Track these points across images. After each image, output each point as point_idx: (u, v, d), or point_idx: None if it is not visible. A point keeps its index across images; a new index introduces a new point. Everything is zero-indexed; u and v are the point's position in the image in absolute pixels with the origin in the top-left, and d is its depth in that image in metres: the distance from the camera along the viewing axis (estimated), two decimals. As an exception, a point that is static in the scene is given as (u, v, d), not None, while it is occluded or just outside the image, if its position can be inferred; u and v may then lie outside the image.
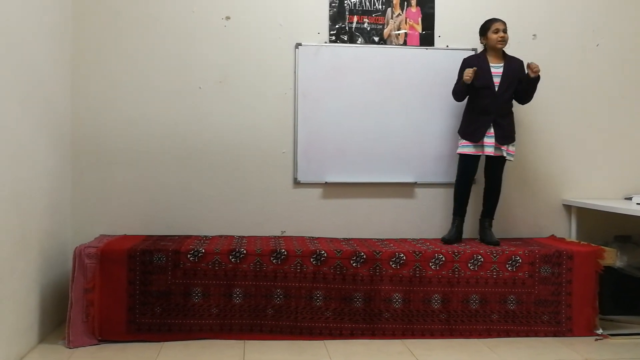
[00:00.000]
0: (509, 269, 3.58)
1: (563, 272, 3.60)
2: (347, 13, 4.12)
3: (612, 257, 3.67)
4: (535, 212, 4.27)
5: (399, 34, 4.17)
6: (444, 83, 4.01)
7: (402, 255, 3.53)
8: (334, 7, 4.11)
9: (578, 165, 4.31)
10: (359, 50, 4.11)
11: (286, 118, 4.08)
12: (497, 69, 3.83)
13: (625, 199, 4.26)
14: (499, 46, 3.84)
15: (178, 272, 3.42)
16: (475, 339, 3.50)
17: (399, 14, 4.16)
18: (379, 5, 4.14)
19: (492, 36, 3.84)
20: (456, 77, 3.91)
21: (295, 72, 4.06)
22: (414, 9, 4.16)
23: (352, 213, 4.15)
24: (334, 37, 4.11)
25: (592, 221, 4.21)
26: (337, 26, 4.11)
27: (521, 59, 3.90)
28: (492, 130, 3.80)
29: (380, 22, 4.15)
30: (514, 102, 3.94)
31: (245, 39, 4.04)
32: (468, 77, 3.73)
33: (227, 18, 4.04)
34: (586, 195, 4.29)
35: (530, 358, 3.23)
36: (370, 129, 4.10)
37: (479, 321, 3.55)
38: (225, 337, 3.41)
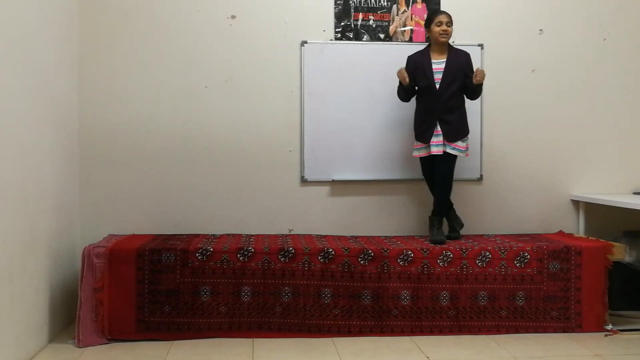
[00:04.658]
0: (518, 265, 3.57)
1: (572, 267, 3.59)
2: (352, 10, 4.11)
3: (621, 253, 3.65)
4: (543, 207, 4.26)
5: (404, 31, 4.16)
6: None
7: (409, 252, 3.53)
8: (339, 4, 4.10)
9: (586, 161, 4.29)
10: (365, 48, 4.11)
11: (292, 116, 4.08)
12: (438, 65, 3.74)
13: (634, 193, 4.24)
14: (441, 40, 3.74)
15: (186, 271, 3.43)
16: (484, 335, 3.50)
17: (405, 11, 4.15)
18: (384, 2, 4.13)
19: (435, 29, 3.74)
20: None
21: (301, 70, 4.06)
22: (419, 6, 4.15)
23: (359, 210, 4.15)
24: (339, 35, 4.11)
25: (601, 216, 4.19)
26: (342, 24, 4.11)
27: (468, 51, 3.83)
28: (438, 128, 3.72)
29: (386, 19, 4.14)
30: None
31: (251, 38, 4.05)
32: (403, 78, 3.72)
33: (233, 17, 4.04)
34: (594, 190, 4.28)
35: (539, 354, 3.22)
36: (377, 126, 4.10)
37: (487, 317, 3.54)
38: (234, 336, 3.41)
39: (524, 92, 4.23)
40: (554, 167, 4.27)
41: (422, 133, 3.81)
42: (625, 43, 4.29)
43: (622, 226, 4.14)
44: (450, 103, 3.74)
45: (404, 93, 3.84)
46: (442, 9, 4.12)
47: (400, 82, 3.81)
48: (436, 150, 3.73)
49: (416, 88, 3.83)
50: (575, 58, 4.27)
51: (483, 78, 3.66)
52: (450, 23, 3.74)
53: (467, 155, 3.84)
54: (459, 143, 3.75)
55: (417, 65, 3.78)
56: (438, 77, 3.72)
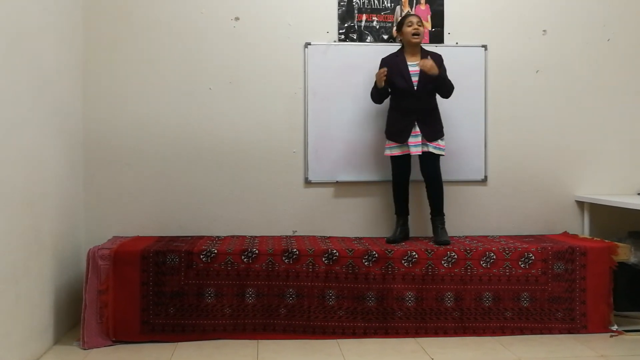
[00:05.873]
0: (522, 266, 3.56)
1: (576, 268, 3.58)
2: (355, 12, 4.11)
3: (626, 253, 3.64)
4: (548, 208, 4.25)
5: (408, 32, 4.16)
6: (453, 80, 3.95)
7: (414, 253, 3.53)
8: (342, 6, 4.10)
9: (590, 161, 4.28)
10: (368, 49, 4.11)
11: (296, 117, 4.08)
12: (414, 67, 3.76)
13: (639, 194, 4.23)
14: (414, 40, 3.75)
15: (191, 273, 3.43)
16: (489, 337, 3.49)
17: (408, 12, 4.15)
18: (387, 3, 4.14)
19: (406, 29, 3.77)
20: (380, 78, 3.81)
21: (304, 71, 4.07)
22: (423, 7, 4.15)
23: (363, 212, 4.14)
24: (343, 36, 4.11)
25: (605, 217, 4.18)
26: (346, 25, 4.11)
27: (441, 54, 3.85)
28: (417, 128, 3.74)
29: (389, 20, 4.14)
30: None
31: (255, 39, 4.05)
32: (380, 80, 3.71)
33: (236, 19, 4.04)
34: (599, 191, 4.27)
35: (544, 355, 3.21)
36: (381, 127, 4.09)
37: (492, 319, 3.53)
38: (239, 337, 3.42)
39: (528, 93, 4.22)
40: (559, 167, 4.27)
41: (399, 133, 3.80)
42: (629, 43, 4.28)
43: (626, 227, 4.13)
44: (428, 104, 3.79)
45: (378, 96, 3.86)
46: (445, 10, 4.14)
47: (375, 84, 3.82)
48: (415, 150, 3.75)
49: (389, 90, 3.85)
50: (580, 58, 4.26)
51: (428, 66, 3.64)
52: (420, 23, 3.77)
53: (444, 154, 3.85)
54: (439, 142, 3.80)
55: (392, 67, 3.79)
56: (415, 78, 3.75)
